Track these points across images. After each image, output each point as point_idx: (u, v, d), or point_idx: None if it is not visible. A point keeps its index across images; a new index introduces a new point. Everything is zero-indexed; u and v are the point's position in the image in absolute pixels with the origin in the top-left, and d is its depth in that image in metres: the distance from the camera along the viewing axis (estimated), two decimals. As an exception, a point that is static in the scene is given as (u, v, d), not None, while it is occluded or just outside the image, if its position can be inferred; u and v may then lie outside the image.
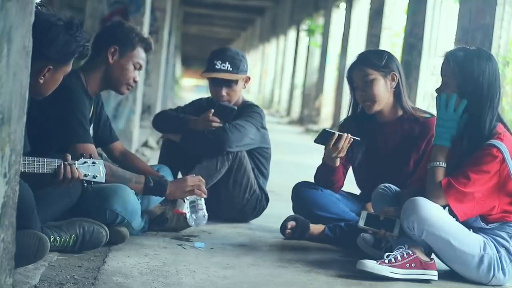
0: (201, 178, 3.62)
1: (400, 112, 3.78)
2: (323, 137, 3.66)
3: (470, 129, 3.16)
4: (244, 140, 4.04)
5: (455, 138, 3.20)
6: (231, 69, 4.11)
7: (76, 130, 3.30)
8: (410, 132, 3.73)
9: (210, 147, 3.99)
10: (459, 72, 3.17)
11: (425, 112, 3.84)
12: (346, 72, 3.83)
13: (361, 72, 3.72)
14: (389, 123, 3.79)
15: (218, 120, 4.00)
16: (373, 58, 3.75)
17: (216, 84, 4.13)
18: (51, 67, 2.71)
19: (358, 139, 3.66)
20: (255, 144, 4.13)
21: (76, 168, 2.87)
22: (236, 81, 4.12)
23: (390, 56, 3.80)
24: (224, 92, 4.11)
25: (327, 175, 3.82)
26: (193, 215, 3.59)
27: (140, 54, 3.52)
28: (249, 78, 4.21)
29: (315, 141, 3.71)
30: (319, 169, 3.86)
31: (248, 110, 4.14)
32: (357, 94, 3.76)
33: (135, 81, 3.53)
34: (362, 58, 3.79)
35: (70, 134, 3.30)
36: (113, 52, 3.45)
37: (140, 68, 3.54)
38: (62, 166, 2.82)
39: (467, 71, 3.15)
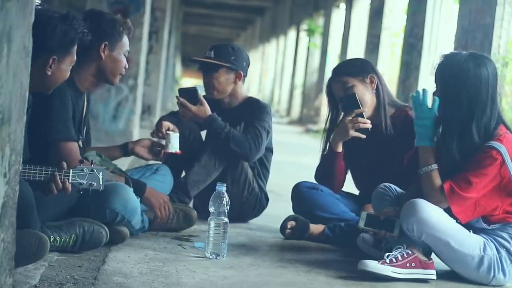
0: (168, 204, 3.57)
1: (390, 112, 3.78)
2: (350, 102, 3.70)
3: (461, 136, 3.13)
4: (262, 149, 4.08)
5: (446, 140, 3.18)
6: (213, 56, 4.15)
7: (57, 127, 3.23)
8: (401, 130, 3.73)
9: (236, 157, 4.04)
10: (440, 81, 3.19)
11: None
12: (325, 88, 3.87)
13: (340, 82, 3.76)
14: (379, 123, 3.76)
15: (187, 103, 4.00)
16: (347, 67, 3.83)
17: (202, 73, 4.22)
18: (55, 57, 2.86)
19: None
20: (265, 145, 4.15)
21: (72, 176, 2.84)
22: (216, 70, 4.13)
23: (363, 61, 3.90)
24: (205, 79, 4.18)
25: (329, 163, 3.82)
26: (212, 245, 3.27)
27: (126, 41, 3.50)
28: (241, 74, 4.18)
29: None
30: (321, 160, 3.88)
31: (259, 112, 4.13)
32: (340, 105, 3.78)
33: (125, 69, 3.52)
34: (337, 70, 3.85)
35: (51, 131, 3.22)
36: (103, 49, 3.41)
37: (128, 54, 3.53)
38: (53, 177, 2.79)
39: (448, 81, 3.15)
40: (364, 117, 3.71)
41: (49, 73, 2.85)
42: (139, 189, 3.47)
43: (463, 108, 3.11)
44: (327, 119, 3.88)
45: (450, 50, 3.42)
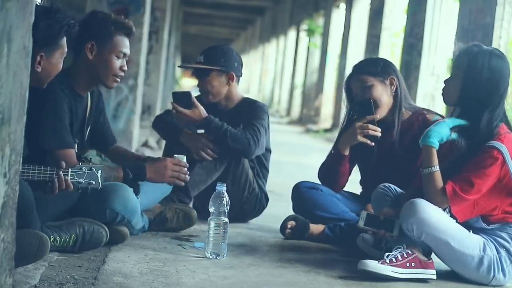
0: (181, 161, 3.52)
1: (407, 115, 3.76)
2: (365, 107, 3.67)
3: (468, 127, 3.14)
4: (261, 146, 4.08)
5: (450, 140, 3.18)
6: (203, 61, 4.15)
7: (51, 135, 3.17)
8: (418, 134, 3.67)
9: (237, 154, 4.03)
10: (464, 65, 3.18)
11: (436, 113, 3.77)
12: (344, 84, 3.83)
13: (359, 80, 3.72)
14: (392, 126, 3.73)
15: (181, 109, 4.00)
16: (369, 66, 3.78)
17: (196, 79, 4.23)
18: (43, 53, 2.79)
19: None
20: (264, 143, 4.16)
21: (70, 175, 2.84)
22: (207, 74, 4.14)
23: (386, 62, 3.83)
24: (199, 84, 4.20)
25: (334, 164, 3.81)
26: (212, 245, 3.26)
27: (120, 42, 3.34)
28: (232, 75, 4.16)
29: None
30: (327, 158, 3.86)
31: (257, 111, 4.13)
32: (355, 109, 3.75)
33: (123, 70, 3.37)
34: (358, 67, 3.80)
35: (46, 140, 3.17)
36: (90, 48, 3.29)
37: (124, 56, 3.37)
38: (54, 176, 2.79)
39: (473, 69, 3.15)
40: (375, 124, 3.67)
41: (39, 69, 2.79)
42: (140, 173, 3.39)
43: (482, 93, 3.12)
44: (344, 118, 3.86)
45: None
